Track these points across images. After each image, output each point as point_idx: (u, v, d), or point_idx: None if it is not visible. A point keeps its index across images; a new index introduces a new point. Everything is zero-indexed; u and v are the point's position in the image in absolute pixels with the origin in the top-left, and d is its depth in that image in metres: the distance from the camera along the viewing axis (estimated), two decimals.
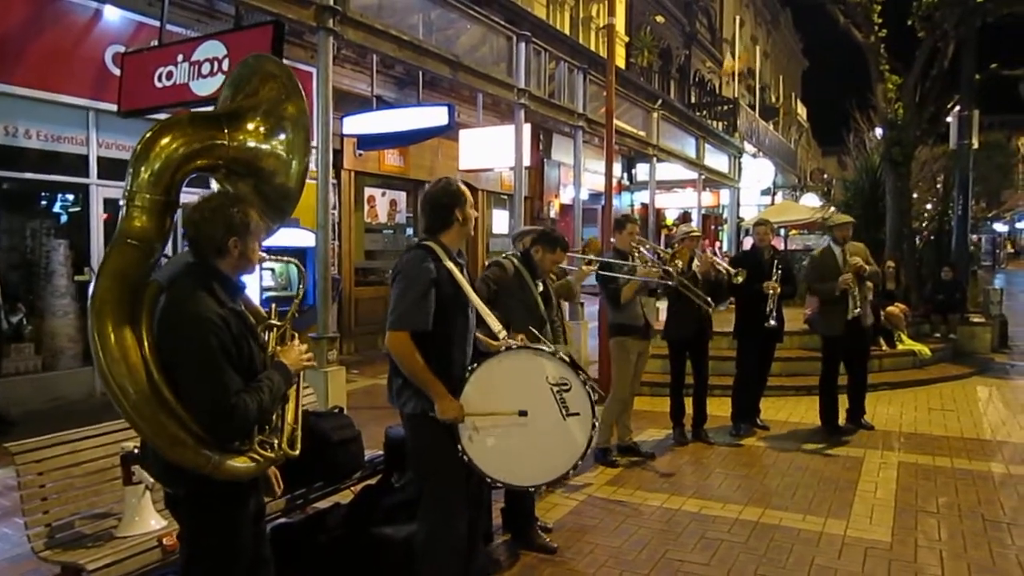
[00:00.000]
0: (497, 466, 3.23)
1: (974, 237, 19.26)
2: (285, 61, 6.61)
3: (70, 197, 8.14)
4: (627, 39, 21.26)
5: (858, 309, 6.46)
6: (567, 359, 3.39)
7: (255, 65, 2.82)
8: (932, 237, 13.71)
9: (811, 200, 24.58)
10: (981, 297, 12.89)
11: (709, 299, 6.09)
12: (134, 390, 2.31)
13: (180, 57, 7.00)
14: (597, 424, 3.34)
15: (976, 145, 12.15)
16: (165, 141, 2.53)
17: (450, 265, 3.18)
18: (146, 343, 2.37)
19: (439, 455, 3.22)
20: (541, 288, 4.55)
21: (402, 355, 3.10)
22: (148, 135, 2.54)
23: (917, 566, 4.13)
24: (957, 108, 12.11)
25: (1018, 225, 53.04)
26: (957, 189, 12.32)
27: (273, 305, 2.72)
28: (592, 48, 17.91)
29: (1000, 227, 50.09)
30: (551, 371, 3.26)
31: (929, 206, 15.37)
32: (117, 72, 7.59)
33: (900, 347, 9.78)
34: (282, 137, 2.77)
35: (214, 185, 2.85)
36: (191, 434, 2.34)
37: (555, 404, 3.23)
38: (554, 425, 3.23)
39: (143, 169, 2.48)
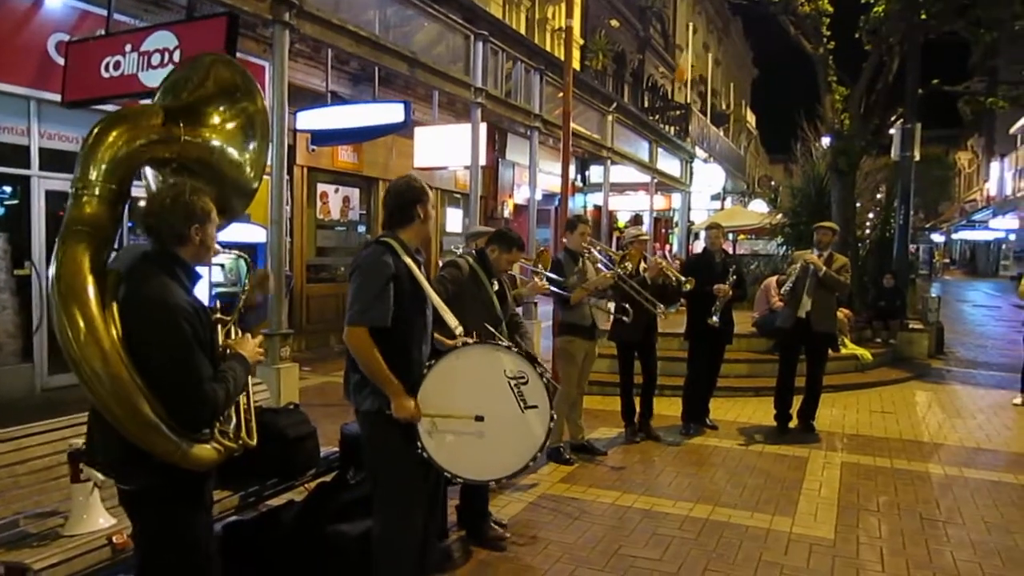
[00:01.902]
0: (456, 462, 3.23)
1: (913, 247, 19.88)
2: (238, 54, 6.53)
3: (8, 189, 7.85)
4: (582, 42, 21.43)
5: (782, 291, 6.71)
6: (523, 353, 3.42)
7: (194, 63, 2.84)
8: (874, 245, 14.13)
9: (759, 206, 25.11)
10: (920, 304, 13.33)
11: (657, 302, 6.17)
12: (109, 375, 2.27)
13: (128, 47, 6.84)
14: (555, 416, 3.36)
15: (917, 158, 12.56)
16: (118, 132, 2.52)
17: (408, 261, 3.17)
18: (112, 329, 2.33)
19: (395, 452, 3.21)
20: (497, 287, 4.56)
21: (360, 351, 3.07)
22: (101, 124, 2.52)
23: (859, 562, 4.26)
24: (900, 121, 12.51)
25: (954, 236, 54.88)
26: (899, 200, 12.71)
27: (217, 302, 2.74)
28: (548, 49, 18.00)
29: (937, 237, 51.81)
30: (509, 365, 3.29)
31: (871, 215, 15.83)
32: (61, 61, 7.37)
33: (843, 351, 10.03)
34: (240, 135, 2.76)
35: (149, 176, 2.81)
36: (162, 422, 2.32)
37: (513, 397, 3.25)
38: (513, 418, 3.25)
39: (95, 158, 2.45)
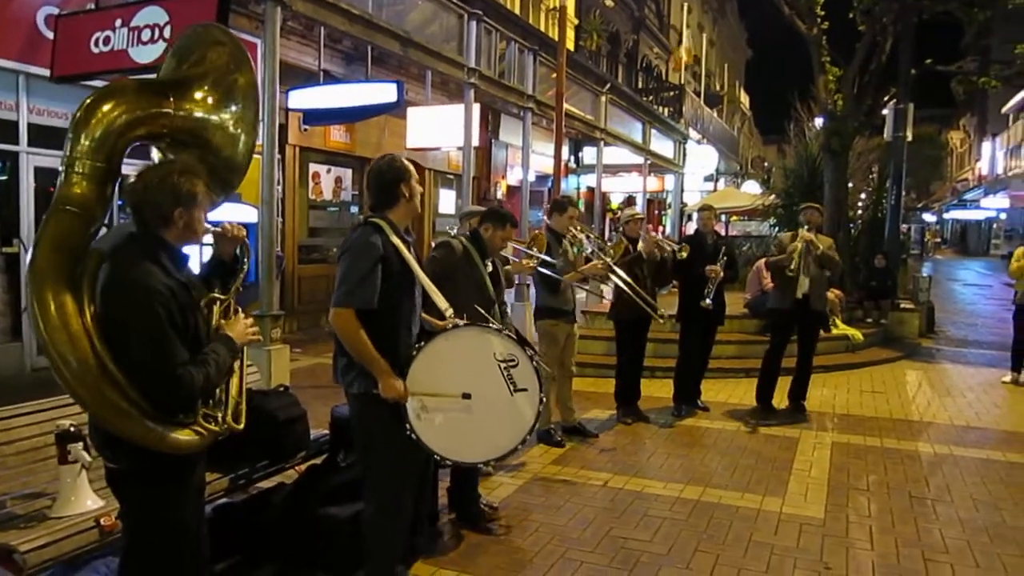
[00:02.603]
0: (445, 444, 3.23)
1: (904, 227, 19.92)
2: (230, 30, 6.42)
3: None
4: (576, 22, 21.27)
5: (791, 267, 6.56)
6: (514, 336, 3.40)
7: (202, 34, 2.77)
8: (866, 225, 14.14)
9: (752, 187, 25.06)
10: (911, 284, 13.37)
11: (657, 307, 6.21)
12: (75, 359, 2.25)
13: (119, 22, 6.76)
14: (544, 399, 3.35)
15: (909, 138, 12.55)
16: (107, 107, 2.48)
17: (397, 242, 3.14)
18: (88, 312, 2.32)
19: (386, 434, 3.20)
20: (490, 268, 4.54)
21: (346, 332, 3.05)
22: (90, 100, 2.48)
23: (848, 541, 4.29)
24: (893, 101, 12.48)
25: (945, 216, 55.04)
26: (891, 180, 12.70)
27: (217, 281, 2.67)
28: (542, 29, 17.86)
29: (929, 217, 51.97)
30: (499, 348, 3.27)
31: (864, 196, 15.82)
32: (50, 35, 7.27)
33: (834, 331, 10.07)
34: (231, 109, 2.74)
35: (155, 155, 2.79)
36: (134, 405, 2.29)
37: (503, 380, 3.24)
38: (502, 401, 3.24)
39: (84, 135, 2.42)
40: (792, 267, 6.58)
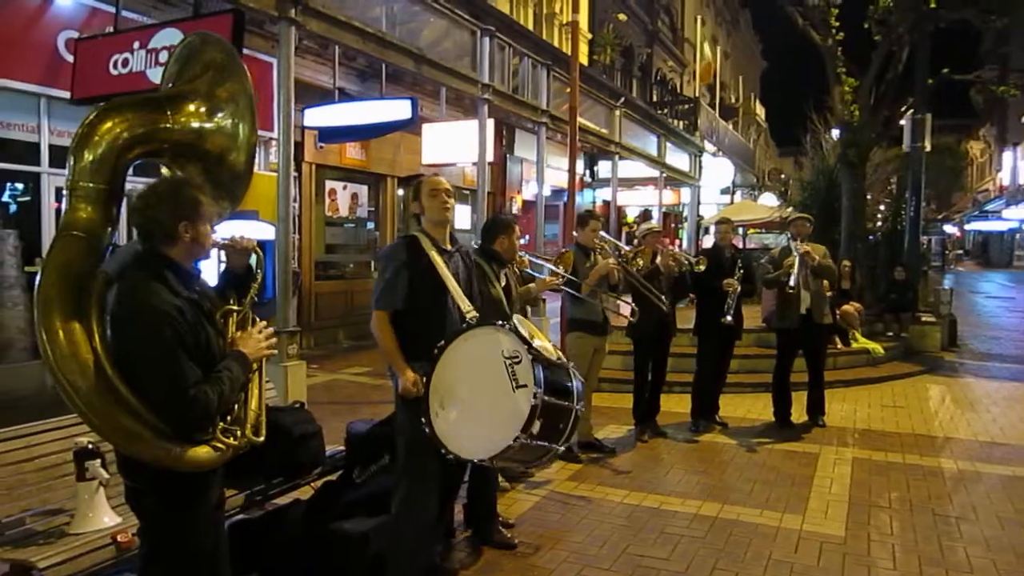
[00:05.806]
0: (454, 439, 3.31)
1: (925, 238, 19.73)
2: (246, 51, 6.49)
3: (20, 186, 7.91)
4: (590, 36, 21.34)
5: (791, 284, 6.48)
6: (519, 333, 3.42)
7: (196, 45, 2.79)
8: (885, 237, 14.02)
9: (769, 200, 24.98)
10: (932, 297, 13.22)
11: (663, 297, 6.18)
12: (85, 386, 2.27)
13: (136, 44, 6.87)
14: (538, 393, 3.28)
15: (928, 148, 12.45)
16: (106, 127, 2.46)
17: (433, 255, 3.48)
18: (96, 337, 2.32)
19: (416, 431, 3.35)
20: (503, 283, 4.54)
21: (377, 331, 3.47)
22: (87, 121, 2.47)
23: (870, 560, 4.22)
24: (910, 111, 12.39)
25: (967, 227, 54.47)
26: (909, 191, 12.60)
27: (233, 293, 2.68)
28: (556, 44, 17.92)
29: (950, 228, 51.42)
30: (506, 345, 3.36)
31: (883, 207, 15.70)
32: (70, 59, 7.41)
33: (854, 345, 9.99)
34: (226, 116, 2.72)
35: (164, 172, 2.81)
36: (148, 427, 2.29)
37: (507, 377, 3.30)
38: (504, 397, 3.29)
39: (84, 157, 2.41)
40: (791, 284, 6.50)
